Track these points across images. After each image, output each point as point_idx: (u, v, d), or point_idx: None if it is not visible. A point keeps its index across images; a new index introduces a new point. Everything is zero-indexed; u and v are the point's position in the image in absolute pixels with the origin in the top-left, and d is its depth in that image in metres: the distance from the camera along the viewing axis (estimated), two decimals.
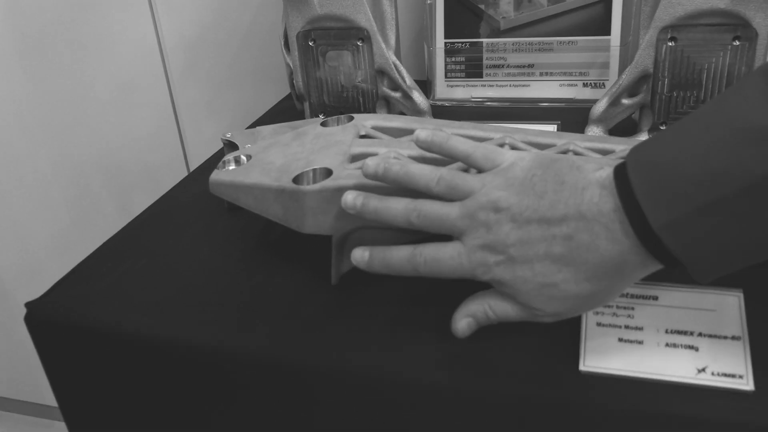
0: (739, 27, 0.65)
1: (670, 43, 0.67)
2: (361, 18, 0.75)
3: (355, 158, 0.54)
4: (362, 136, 0.57)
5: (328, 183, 0.49)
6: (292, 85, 0.86)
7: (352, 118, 0.61)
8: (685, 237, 0.37)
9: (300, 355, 0.47)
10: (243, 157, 0.58)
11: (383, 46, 0.76)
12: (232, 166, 0.57)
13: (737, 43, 0.65)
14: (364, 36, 0.76)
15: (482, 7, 0.84)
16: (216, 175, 0.56)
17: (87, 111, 1.31)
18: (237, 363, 0.48)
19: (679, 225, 0.36)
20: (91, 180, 1.40)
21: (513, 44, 0.84)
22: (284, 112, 0.93)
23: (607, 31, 0.80)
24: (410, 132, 0.58)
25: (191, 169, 1.31)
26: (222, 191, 0.55)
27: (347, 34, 0.77)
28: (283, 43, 0.86)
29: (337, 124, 0.61)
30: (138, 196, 1.40)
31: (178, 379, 0.51)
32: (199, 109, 1.25)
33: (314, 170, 0.52)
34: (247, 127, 0.80)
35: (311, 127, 0.62)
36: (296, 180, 0.51)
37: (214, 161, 0.78)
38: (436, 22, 0.86)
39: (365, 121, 0.59)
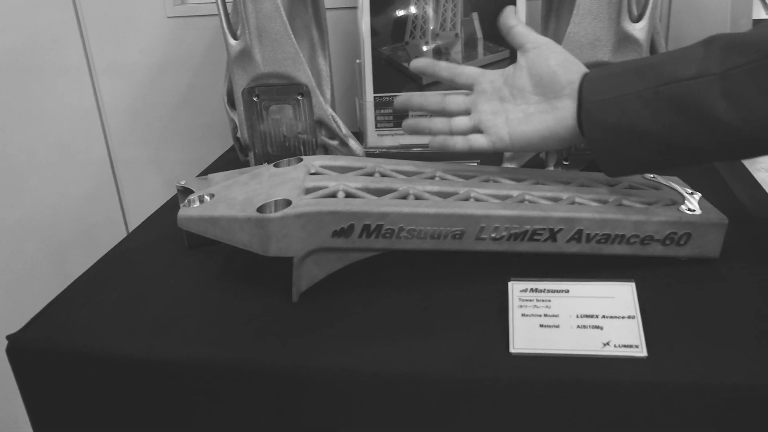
0: None
1: None
2: (301, 75, 0.84)
3: (308, 191, 0.62)
4: (312, 174, 0.66)
5: (289, 211, 0.57)
6: (236, 138, 0.94)
7: (301, 160, 0.69)
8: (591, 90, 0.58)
9: (264, 359, 0.54)
10: (206, 196, 0.65)
11: (321, 99, 0.86)
12: (197, 204, 0.64)
13: None
14: (304, 91, 0.85)
15: (406, 65, 0.95)
16: (184, 212, 0.62)
17: (22, 172, 1.34)
18: (213, 373, 0.55)
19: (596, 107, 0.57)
20: (26, 242, 1.42)
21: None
22: (228, 164, 1.01)
23: None
24: (353, 169, 0.67)
25: (129, 226, 1.36)
26: (191, 225, 0.62)
27: (288, 90, 0.86)
28: (226, 100, 0.94)
29: (289, 165, 0.69)
30: (74, 255, 1.43)
31: (157, 394, 0.57)
32: (138, 168, 1.31)
33: (275, 201, 0.60)
34: (197, 176, 0.87)
35: (265, 168, 0.70)
36: (260, 210, 0.59)
37: (166, 210, 0.85)
38: (366, 79, 0.96)
39: (314, 161, 0.68)
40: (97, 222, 1.38)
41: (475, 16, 0.93)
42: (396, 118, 0.97)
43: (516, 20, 0.64)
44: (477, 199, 0.62)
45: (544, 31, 0.88)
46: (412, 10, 0.95)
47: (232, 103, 0.93)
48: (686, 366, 0.49)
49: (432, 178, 0.66)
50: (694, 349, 0.51)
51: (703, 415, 0.48)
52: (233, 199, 0.63)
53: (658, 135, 0.55)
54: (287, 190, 0.62)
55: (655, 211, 0.62)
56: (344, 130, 0.88)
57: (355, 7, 0.97)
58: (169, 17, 1.16)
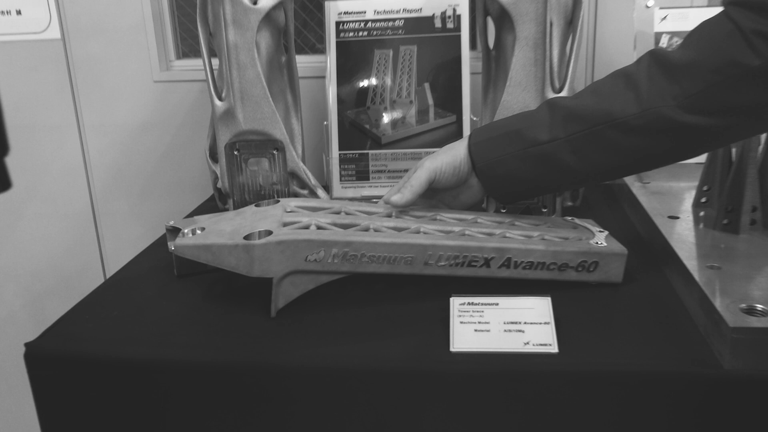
0: None
1: None
2: (277, 132, 0.98)
3: (286, 224, 0.74)
4: (289, 212, 0.79)
5: (271, 238, 0.69)
6: (216, 188, 1.06)
7: (278, 201, 0.82)
8: (480, 155, 0.77)
9: (252, 360, 0.65)
10: (197, 230, 0.77)
11: (294, 154, 0.99)
12: (190, 235, 0.76)
13: None
14: (279, 146, 0.99)
15: (367, 126, 1.09)
16: (180, 241, 0.74)
17: (9, 222, 1.43)
18: (210, 374, 0.65)
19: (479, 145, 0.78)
20: (3, 289, 1.49)
21: (392, 154, 1.10)
22: (208, 212, 1.12)
23: None
24: (323, 209, 0.79)
25: (107, 274, 1.45)
26: (185, 251, 0.73)
27: (265, 145, 0.99)
28: (208, 154, 1.07)
29: (268, 205, 0.82)
30: (51, 303, 1.50)
31: (154, 392, 0.67)
32: (119, 219, 1.41)
33: (259, 231, 0.72)
34: (184, 218, 0.98)
35: (248, 208, 0.82)
36: (246, 238, 0.71)
37: (154, 247, 0.96)
38: (332, 138, 1.10)
39: (290, 202, 0.81)
40: (76, 271, 1.47)
41: (427, 86, 1.09)
42: (358, 173, 1.11)
43: (401, 198, 0.79)
44: (425, 233, 0.75)
45: (484, 100, 1.03)
46: (373, 81, 1.10)
47: (213, 156, 1.06)
48: (588, 359, 0.62)
49: (389, 216, 0.79)
50: (595, 346, 0.64)
51: (601, 395, 0.61)
52: (222, 230, 0.75)
53: (532, 180, 0.76)
54: (268, 223, 0.74)
55: (570, 243, 0.76)
56: (313, 181, 1.01)
57: (323, 77, 1.12)
58: (155, 81, 1.30)
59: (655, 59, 0.68)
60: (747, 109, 0.64)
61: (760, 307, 0.61)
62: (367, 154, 1.10)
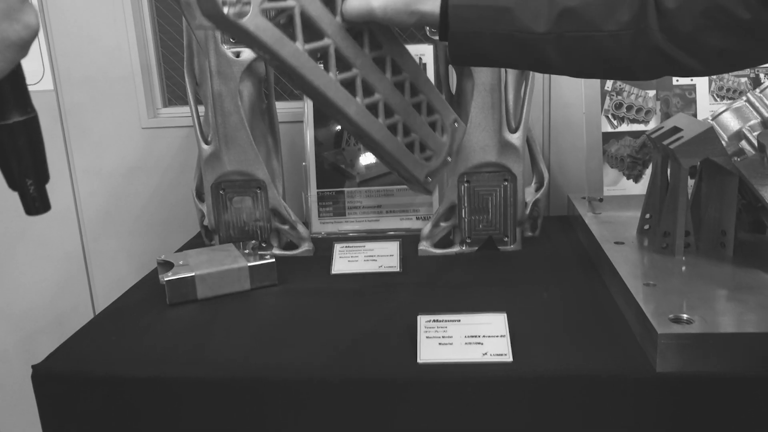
0: (506, 171, 1.03)
1: (465, 184, 1.04)
2: (260, 173, 1.06)
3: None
4: None
5: None
6: (203, 226, 1.14)
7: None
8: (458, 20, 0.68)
9: (242, 375, 0.72)
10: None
11: (276, 192, 1.08)
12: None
13: (506, 183, 1.03)
14: (262, 185, 1.07)
15: (343, 166, 1.18)
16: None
17: (2, 264, 1.49)
18: (200, 386, 0.73)
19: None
20: None
21: (366, 192, 1.19)
22: (195, 247, 1.20)
23: None
24: None
25: (97, 310, 1.51)
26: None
27: (249, 185, 1.08)
28: (195, 194, 1.15)
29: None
30: (42, 341, 1.55)
31: (152, 405, 0.74)
32: (108, 259, 1.48)
33: None
34: (175, 252, 1.06)
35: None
36: None
37: (147, 280, 1.03)
38: (310, 178, 1.19)
39: None
40: (67, 310, 1.52)
41: None
42: (335, 209, 1.19)
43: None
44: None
45: None
46: None
47: (200, 196, 1.14)
48: (538, 366, 0.70)
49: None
50: (545, 355, 0.72)
51: (551, 397, 0.69)
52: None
53: (501, 61, 0.73)
54: None
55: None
56: (293, 217, 1.10)
57: (301, 121, 1.22)
58: (143, 128, 1.38)
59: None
60: (726, 53, 0.68)
61: (685, 316, 0.70)
62: (344, 192, 1.19)
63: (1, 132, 0.46)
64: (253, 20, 0.61)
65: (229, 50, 1.03)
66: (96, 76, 1.37)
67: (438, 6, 0.70)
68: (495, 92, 1.01)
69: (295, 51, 0.65)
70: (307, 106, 1.19)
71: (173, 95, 1.43)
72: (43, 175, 0.50)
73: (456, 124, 0.82)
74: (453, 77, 1.13)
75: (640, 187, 1.12)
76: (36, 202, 0.51)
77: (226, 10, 0.59)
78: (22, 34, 0.42)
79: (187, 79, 1.09)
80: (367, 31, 0.72)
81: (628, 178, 1.14)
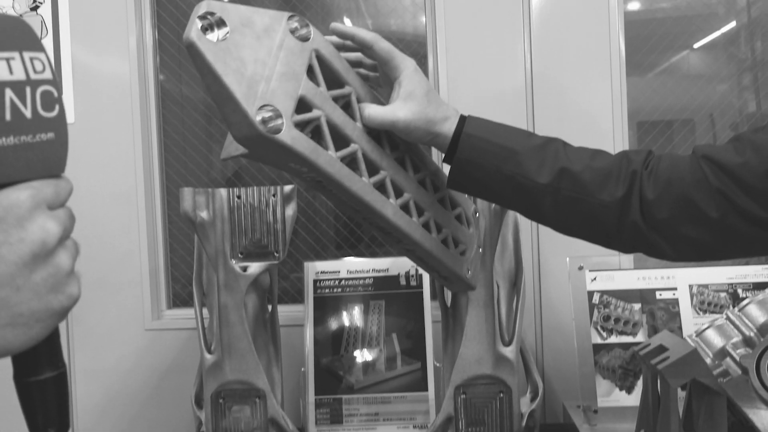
0: (501, 384, 1.05)
1: (462, 396, 1.06)
2: (260, 382, 1.09)
3: None
4: None
5: None
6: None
7: None
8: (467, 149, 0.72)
9: None
10: None
11: (274, 401, 1.09)
12: None
13: (501, 395, 1.05)
14: (261, 395, 1.09)
15: (341, 373, 1.20)
16: None
17: None
18: None
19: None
20: None
21: (363, 399, 1.20)
22: None
23: (425, 389, 1.19)
24: None
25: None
26: None
27: (248, 393, 1.09)
28: (194, 401, 1.16)
29: None
30: None
31: None
32: None
33: None
34: None
35: None
36: None
37: None
38: (308, 384, 1.21)
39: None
40: None
41: (394, 336, 1.22)
42: (333, 416, 1.20)
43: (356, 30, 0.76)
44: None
45: (444, 350, 1.16)
46: (347, 331, 1.23)
47: (198, 403, 1.15)
48: None
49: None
50: None
51: None
52: None
53: (496, 197, 0.77)
54: None
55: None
56: (291, 426, 1.10)
57: (301, 325, 1.26)
58: (146, 330, 1.42)
59: (639, 179, 0.74)
60: (697, 243, 0.73)
61: None
62: (341, 398, 1.20)
63: (33, 386, 0.49)
64: (289, 133, 0.61)
65: (237, 265, 1.09)
66: (107, 278, 1.42)
67: (452, 130, 0.74)
68: (488, 307, 1.06)
69: (330, 159, 0.66)
70: (308, 313, 1.24)
71: (176, 295, 1.48)
72: (65, 426, 0.53)
73: (477, 215, 0.83)
74: (448, 292, 1.18)
75: (633, 399, 1.14)
76: None
77: (262, 128, 0.60)
78: (65, 304, 0.45)
79: (194, 290, 1.15)
80: (385, 132, 0.74)
81: (621, 389, 1.16)
